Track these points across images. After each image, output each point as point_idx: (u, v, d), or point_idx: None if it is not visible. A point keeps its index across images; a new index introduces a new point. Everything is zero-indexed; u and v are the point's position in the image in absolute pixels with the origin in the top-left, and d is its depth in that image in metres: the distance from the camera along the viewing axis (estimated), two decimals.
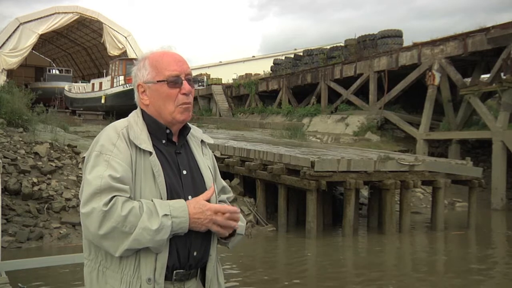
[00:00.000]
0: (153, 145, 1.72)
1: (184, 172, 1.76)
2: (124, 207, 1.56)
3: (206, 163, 1.87)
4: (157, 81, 1.74)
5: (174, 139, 1.81)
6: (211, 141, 1.98)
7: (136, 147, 1.69)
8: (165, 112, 1.75)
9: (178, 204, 1.63)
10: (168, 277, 1.65)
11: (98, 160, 1.64)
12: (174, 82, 1.74)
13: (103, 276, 1.65)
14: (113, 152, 1.65)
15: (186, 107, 1.76)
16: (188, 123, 1.85)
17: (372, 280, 7.17)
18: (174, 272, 1.67)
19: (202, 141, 1.92)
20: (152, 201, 1.62)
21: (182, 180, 1.75)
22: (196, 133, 1.91)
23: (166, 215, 1.58)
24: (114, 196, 1.57)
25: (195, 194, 1.73)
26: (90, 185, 1.59)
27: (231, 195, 2.04)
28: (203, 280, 1.77)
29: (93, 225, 1.55)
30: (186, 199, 1.69)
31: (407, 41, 21.62)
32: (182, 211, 1.62)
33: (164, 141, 1.77)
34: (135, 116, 1.79)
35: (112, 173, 1.60)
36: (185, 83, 1.75)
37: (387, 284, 7.05)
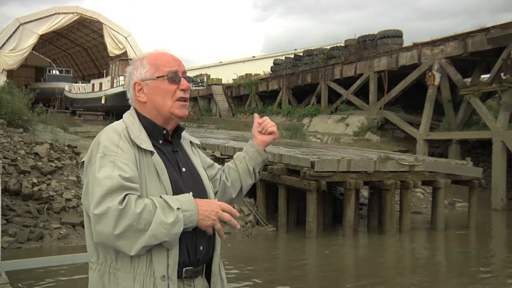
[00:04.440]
0: (153, 145, 1.75)
1: (184, 169, 1.81)
2: (137, 204, 1.56)
3: (198, 162, 1.93)
4: (157, 77, 1.78)
5: (170, 138, 1.85)
6: (198, 142, 2.05)
7: (138, 147, 1.71)
8: (164, 108, 1.78)
9: (185, 198, 1.65)
10: (178, 275, 1.66)
11: (103, 162, 1.62)
12: (174, 78, 1.79)
13: (115, 277, 1.64)
14: (117, 153, 1.64)
15: (184, 104, 1.81)
16: (179, 123, 1.90)
17: (372, 280, 7.16)
18: (184, 269, 1.68)
19: (191, 142, 1.99)
20: (161, 197, 1.63)
21: (183, 177, 1.78)
22: (185, 135, 1.97)
23: (178, 208, 1.60)
24: (127, 195, 1.57)
25: (196, 190, 1.77)
26: (101, 186, 1.57)
27: (219, 166, 2.11)
28: (207, 277, 1.80)
29: (108, 225, 1.53)
30: None
31: (410, 42, 21.62)
32: (190, 205, 1.64)
33: (161, 141, 1.80)
34: (130, 118, 1.80)
35: (121, 173, 1.59)
36: (183, 79, 1.82)
37: (388, 284, 7.05)
